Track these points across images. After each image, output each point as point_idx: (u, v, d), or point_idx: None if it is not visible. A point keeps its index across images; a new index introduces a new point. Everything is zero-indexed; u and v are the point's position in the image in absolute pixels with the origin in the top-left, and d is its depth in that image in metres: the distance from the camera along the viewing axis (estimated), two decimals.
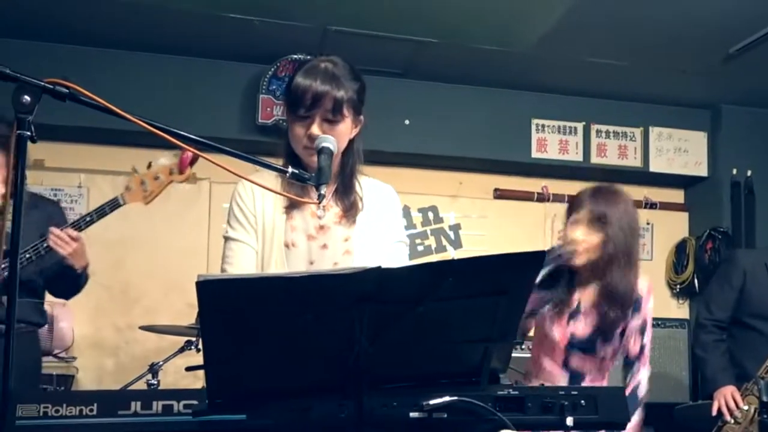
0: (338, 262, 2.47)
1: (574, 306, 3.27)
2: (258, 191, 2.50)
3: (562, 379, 3.29)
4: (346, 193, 2.50)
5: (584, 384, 3.25)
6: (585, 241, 3.19)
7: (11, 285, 1.69)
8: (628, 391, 3.14)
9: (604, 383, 3.33)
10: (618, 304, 3.20)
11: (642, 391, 3.31)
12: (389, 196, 2.64)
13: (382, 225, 2.56)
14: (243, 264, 2.47)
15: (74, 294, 3.96)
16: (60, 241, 3.43)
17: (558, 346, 3.27)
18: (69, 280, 3.73)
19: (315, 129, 2.38)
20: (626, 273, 3.20)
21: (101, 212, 3.55)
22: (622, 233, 3.19)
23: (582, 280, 3.29)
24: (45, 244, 3.43)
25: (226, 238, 2.52)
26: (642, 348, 3.33)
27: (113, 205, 3.57)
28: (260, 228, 2.48)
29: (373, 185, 2.62)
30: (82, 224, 3.51)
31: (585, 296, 3.29)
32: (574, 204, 3.30)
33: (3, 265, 2.77)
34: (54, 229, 3.44)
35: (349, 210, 2.49)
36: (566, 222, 3.30)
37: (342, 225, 2.49)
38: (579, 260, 3.20)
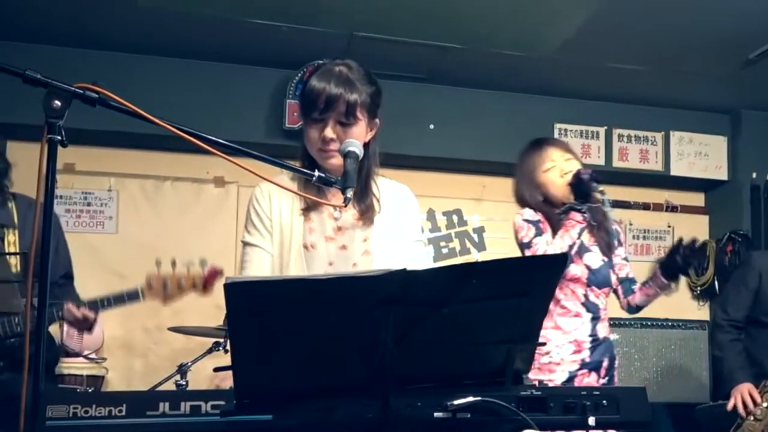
0: (357, 263, 2.48)
1: (579, 242, 3.54)
2: (275, 195, 2.52)
3: (585, 317, 3.57)
4: (362, 195, 2.50)
5: (601, 317, 3.60)
6: None
7: (41, 291, 1.71)
8: (637, 296, 3.73)
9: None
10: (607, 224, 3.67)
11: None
12: (406, 197, 2.64)
13: (400, 225, 2.56)
14: (259, 268, 2.50)
15: None
16: (73, 317, 3.49)
17: (580, 280, 3.55)
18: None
19: (329, 132, 2.40)
20: None
21: (119, 299, 3.58)
22: None
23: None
24: (59, 313, 3.47)
25: (244, 243, 2.56)
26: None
27: (132, 297, 3.60)
28: (277, 231, 2.50)
29: (390, 186, 2.63)
30: (99, 306, 3.54)
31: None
32: (542, 154, 3.66)
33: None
34: (71, 308, 3.47)
35: (366, 212, 2.50)
36: (541, 169, 3.64)
37: (360, 226, 2.51)
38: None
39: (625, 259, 3.81)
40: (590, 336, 3.54)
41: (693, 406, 4.87)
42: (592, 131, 6.52)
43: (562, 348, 3.50)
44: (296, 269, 2.45)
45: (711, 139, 6.71)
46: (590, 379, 3.52)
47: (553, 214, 3.57)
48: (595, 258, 3.61)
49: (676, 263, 3.55)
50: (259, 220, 2.53)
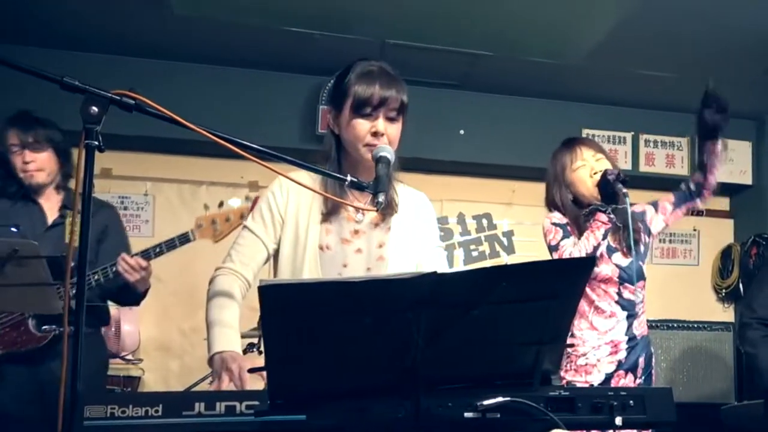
0: (371, 268, 2.49)
1: (605, 243, 3.51)
2: (293, 192, 2.53)
3: (620, 316, 3.55)
4: None
5: (638, 313, 3.57)
6: None
7: (79, 292, 1.73)
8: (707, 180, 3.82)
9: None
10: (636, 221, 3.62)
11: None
12: (424, 204, 2.67)
13: (419, 233, 2.58)
14: (250, 254, 2.52)
15: (131, 305, 4.08)
16: (129, 268, 3.53)
17: (612, 280, 3.54)
18: (129, 297, 3.84)
19: (380, 124, 2.42)
20: None
21: (171, 245, 3.62)
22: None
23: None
24: (114, 269, 3.51)
25: (244, 226, 2.57)
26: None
27: (183, 240, 3.64)
28: (292, 230, 2.50)
29: (408, 193, 2.64)
30: (151, 254, 3.58)
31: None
32: (573, 153, 3.65)
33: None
34: (125, 257, 3.52)
35: (385, 210, 2.48)
36: (571, 168, 3.63)
37: (378, 230, 2.52)
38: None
39: (656, 206, 3.80)
40: (627, 335, 3.53)
41: (718, 407, 4.89)
42: (619, 136, 6.56)
43: (599, 349, 3.50)
44: (309, 269, 2.46)
45: (736, 145, 6.68)
46: (626, 381, 3.50)
47: (580, 215, 3.57)
48: (622, 256, 3.59)
49: (707, 120, 3.61)
50: (269, 213, 2.54)
